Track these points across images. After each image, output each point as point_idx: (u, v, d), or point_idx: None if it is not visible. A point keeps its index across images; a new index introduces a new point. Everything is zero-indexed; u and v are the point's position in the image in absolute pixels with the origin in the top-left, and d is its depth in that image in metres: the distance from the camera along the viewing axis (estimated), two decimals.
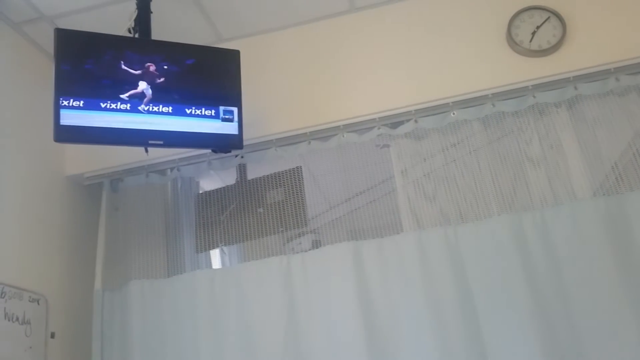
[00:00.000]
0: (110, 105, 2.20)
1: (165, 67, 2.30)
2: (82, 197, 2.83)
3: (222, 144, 2.45)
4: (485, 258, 2.30)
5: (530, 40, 2.52)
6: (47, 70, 2.61)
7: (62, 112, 2.12)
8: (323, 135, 2.65)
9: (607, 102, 2.48)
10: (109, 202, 2.76)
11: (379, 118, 2.60)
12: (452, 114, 2.56)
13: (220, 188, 2.78)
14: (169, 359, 2.45)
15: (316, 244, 2.57)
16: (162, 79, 2.29)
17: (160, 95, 2.28)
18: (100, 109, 2.18)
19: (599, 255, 2.20)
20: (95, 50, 2.21)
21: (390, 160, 2.61)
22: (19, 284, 2.31)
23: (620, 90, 2.48)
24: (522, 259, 2.25)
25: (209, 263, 2.75)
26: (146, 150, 2.42)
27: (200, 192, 2.87)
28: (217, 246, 2.71)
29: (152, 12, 2.44)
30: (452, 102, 2.56)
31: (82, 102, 2.16)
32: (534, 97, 2.51)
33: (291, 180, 2.67)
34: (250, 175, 2.77)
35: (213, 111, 2.38)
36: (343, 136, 2.63)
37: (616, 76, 2.47)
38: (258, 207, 2.67)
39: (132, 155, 2.67)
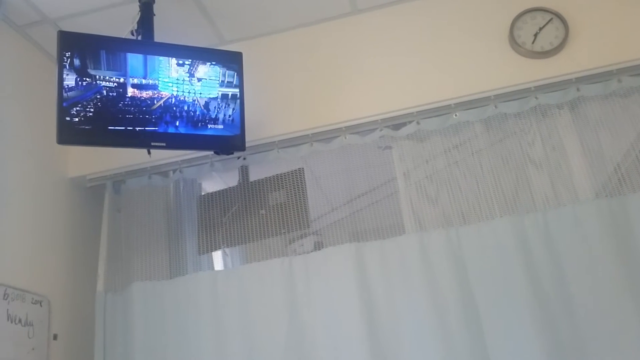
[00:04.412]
0: (114, 108, 2.20)
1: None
2: (84, 199, 2.84)
3: (224, 146, 2.45)
4: (487, 260, 2.29)
5: (533, 42, 2.52)
6: (50, 73, 2.62)
7: (65, 114, 2.13)
8: (325, 137, 2.65)
9: (609, 103, 2.48)
10: (112, 204, 2.77)
11: (381, 120, 2.60)
12: (454, 116, 2.56)
13: (222, 190, 2.78)
14: None
15: (318, 246, 2.57)
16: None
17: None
18: (104, 111, 2.19)
19: (601, 257, 2.20)
20: (99, 52, 2.22)
21: (392, 162, 2.60)
22: (22, 285, 2.32)
23: (622, 92, 2.48)
24: (525, 261, 2.25)
25: (211, 265, 2.75)
26: (149, 152, 2.42)
27: (203, 193, 2.87)
28: (220, 248, 2.71)
29: (155, 15, 2.45)
30: (455, 104, 2.56)
31: (85, 104, 2.16)
32: (537, 98, 2.51)
33: (293, 181, 2.67)
34: (253, 177, 2.77)
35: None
36: (345, 138, 2.63)
37: (619, 77, 2.47)
38: (260, 209, 2.67)
39: (134, 157, 2.68)
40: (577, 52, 2.50)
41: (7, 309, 2.20)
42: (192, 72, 2.37)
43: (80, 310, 2.63)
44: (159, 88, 2.30)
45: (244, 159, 2.71)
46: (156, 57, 2.30)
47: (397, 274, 2.36)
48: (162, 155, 2.68)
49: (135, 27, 2.40)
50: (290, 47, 2.81)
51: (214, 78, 2.41)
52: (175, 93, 2.32)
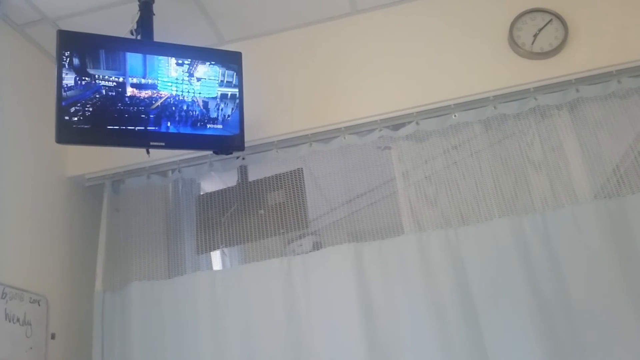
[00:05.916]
0: (113, 107, 2.20)
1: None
2: (83, 198, 2.84)
3: (223, 146, 2.45)
4: (486, 260, 2.29)
5: (532, 43, 2.52)
6: (49, 72, 2.62)
7: (64, 113, 2.13)
8: (324, 137, 2.66)
9: (608, 104, 2.48)
10: (110, 203, 2.76)
11: (380, 120, 2.60)
12: (453, 116, 2.56)
13: (221, 189, 2.78)
14: None
15: (317, 246, 2.57)
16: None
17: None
18: (103, 110, 2.19)
19: (600, 258, 2.20)
20: (98, 51, 2.22)
21: (391, 162, 2.61)
22: (20, 284, 2.32)
23: (622, 93, 2.48)
24: (523, 262, 2.25)
25: (209, 264, 2.75)
26: (147, 152, 2.42)
27: (202, 193, 2.87)
28: (218, 248, 2.71)
29: (154, 14, 2.45)
30: (454, 104, 2.56)
31: (84, 103, 2.16)
32: (536, 99, 2.51)
33: (292, 181, 2.67)
34: (252, 177, 2.77)
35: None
36: (344, 138, 2.63)
37: (618, 78, 2.47)
38: (259, 209, 2.67)
39: (133, 156, 2.68)
40: (577, 53, 2.50)
41: (5, 308, 2.20)
42: (192, 72, 2.37)
43: (79, 310, 2.63)
44: (158, 88, 2.29)
45: (243, 158, 2.71)
46: (155, 56, 2.30)
47: (396, 275, 2.36)
48: (161, 155, 2.68)
49: (135, 27, 2.40)
50: (290, 47, 2.81)
51: (213, 78, 2.41)
52: (174, 93, 2.32)
